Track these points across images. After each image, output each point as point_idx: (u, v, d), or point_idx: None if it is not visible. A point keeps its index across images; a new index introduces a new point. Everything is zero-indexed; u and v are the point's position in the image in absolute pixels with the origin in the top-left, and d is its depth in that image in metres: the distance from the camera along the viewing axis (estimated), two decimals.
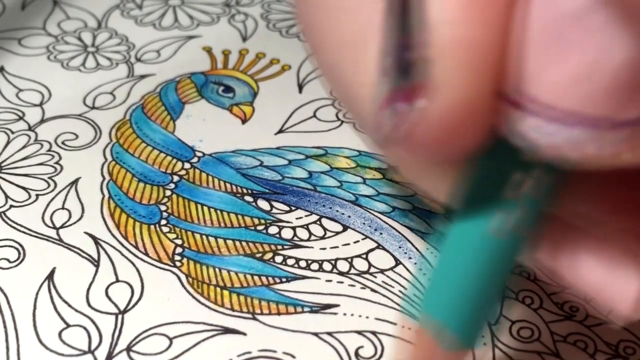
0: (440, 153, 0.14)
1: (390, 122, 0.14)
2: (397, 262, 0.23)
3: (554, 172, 0.15)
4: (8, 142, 0.27)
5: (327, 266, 0.23)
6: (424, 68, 0.13)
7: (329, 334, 0.21)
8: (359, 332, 0.21)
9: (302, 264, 0.23)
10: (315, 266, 0.23)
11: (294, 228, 0.24)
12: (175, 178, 0.26)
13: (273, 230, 0.24)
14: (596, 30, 0.12)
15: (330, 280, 0.23)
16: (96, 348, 0.21)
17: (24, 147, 0.27)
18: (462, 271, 0.16)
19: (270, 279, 0.23)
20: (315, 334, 0.21)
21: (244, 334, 0.21)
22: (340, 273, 0.23)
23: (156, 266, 0.23)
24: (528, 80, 0.13)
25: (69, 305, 0.22)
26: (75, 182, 0.25)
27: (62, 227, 0.24)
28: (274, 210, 0.25)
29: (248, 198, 0.25)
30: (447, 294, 0.16)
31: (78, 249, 0.23)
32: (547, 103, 0.13)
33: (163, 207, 0.25)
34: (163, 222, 0.24)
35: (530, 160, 0.14)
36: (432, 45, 0.13)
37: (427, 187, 0.18)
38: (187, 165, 0.26)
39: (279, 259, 0.23)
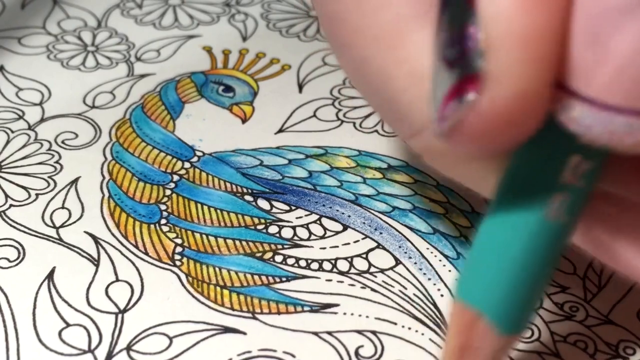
0: (499, 144, 0.14)
1: (455, 114, 0.14)
2: (397, 262, 0.23)
3: (604, 154, 0.15)
4: (8, 141, 0.27)
5: (327, 265, 0.23)
6: (485, 59, 0.13)
7: (329, 333, 0.21)
8: (359, 332, 0.21)
9: (302, 263, 0.23)
10: (315, 265, 0.23)
11: (294, 227, 0.24)
12: (175, 177, 0.26)
13: (273, 229, 0.24)
14: None
15: (330, 280, 0.23)
16: (96, 347, 0.21)
17: (23, 146, 0.27)
18: (512, 258, 0.16)
19: (270, 278, 0.23)
20: (315, 334, 0.21)
21: (244, 333, 0.21)
22: (340, 272, 0.23)
23: (156, 265, 0.23)
24: (574, 75, 0.13)
25: (69, 305, 0.22)
26: (75, 182, 0.25)
27: (62, 226, 0.24)
28: (274, 210, 0.25)
29: (248, 197, 0.25)
30: (495, 282, 0.16)
31: (78, 248, 0.23)
32: (595, 98, 0.13)
33: (163, 207, 0.25)
34: (163, 221, 0.24)
35: (584, 144, 0.14)
36: (492, 36, 0.13)
37: (463, 178, 0.18)
38: (187, 165, 0.26)
39: (279, 258, 0.23)
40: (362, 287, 0.23)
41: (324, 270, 0.23)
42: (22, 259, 0.23)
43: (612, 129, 0.13)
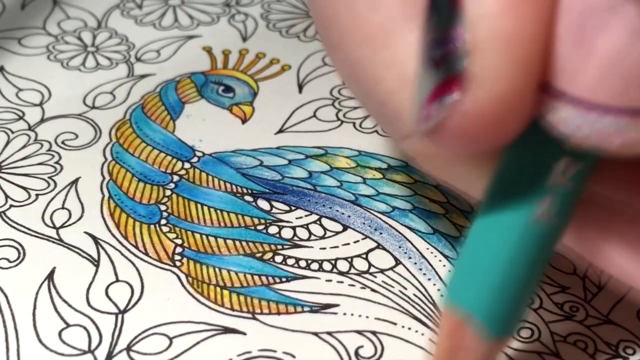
0: (483, 144, 0.14)
1: (437, 114, 0.14)
2: (397, 262, 0.23)
3: (592, 157, 0.15)
4: (8, 142, 0.27)
5: (327, 266, 0.23)
6: (470, 60, 0.13)
7: (329, 333, 0.21)
8: (359, 332, 0.21)
9: (302, 263, 0.23)
10: (315, 266, 0.23)
11: (293, 228, 0.24)
12: (175, 178, 0.26)
13: (273, 230, 0.24)
14: (626, 21, 0.12)
15: (330, 280, 0.23)
16: (96, 348, 0.21)
17: (23, 146, 0.27)
18: (501, 260, 0.16)
19: (270, 278, 0.23)
20: (315, 334, 0.21)
21: (244, 333, 0.21)
22: (340, 273, 0.23)
23: (156, 266, 0.23)
24: (560, 75, 0.13)
25: (69, 305, 0.22)
26: (75, 182, 0.25)
27: (62, 226, 0.24)
28: (274, 210, 0.25)
29: (248, 198, 0.25)
30: (484, 284, 0.16)
31: (78, 248, 0.23)
32: (580, 97, 0.13)
33: (163, 207, 0.25)
34: (163, 221, 0.24)
35: (571, 147, 0.14)
36: (476, 37, 0.13)
37: (454, 181, 0.18)
38: (187, 165, 0.26)
39: (279, 258, 0.23)
40: (362, 288, 0.23)
41: (324, 271, 0.23)
42: (22, 259, 0.23)
43: (599, 129, 0.13)
